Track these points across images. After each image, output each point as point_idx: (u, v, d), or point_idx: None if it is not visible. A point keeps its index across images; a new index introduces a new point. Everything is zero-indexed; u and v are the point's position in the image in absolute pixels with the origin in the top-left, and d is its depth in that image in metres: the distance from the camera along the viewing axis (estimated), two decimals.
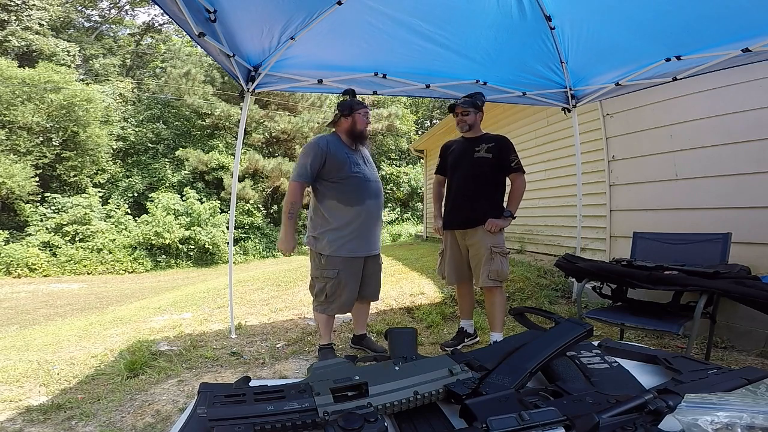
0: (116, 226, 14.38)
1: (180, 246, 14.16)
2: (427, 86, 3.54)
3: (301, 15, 2.82)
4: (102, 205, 14.88)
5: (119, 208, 14.87)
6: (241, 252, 15.21)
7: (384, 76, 3.43)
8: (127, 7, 23.77)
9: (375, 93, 3.56)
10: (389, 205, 19.24)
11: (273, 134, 17.26)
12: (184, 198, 15.12)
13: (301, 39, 2.98)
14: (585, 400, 0.58)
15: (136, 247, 13.90)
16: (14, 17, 17.32)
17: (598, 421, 0.48)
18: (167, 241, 13.77)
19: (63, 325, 5.13)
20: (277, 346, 3.17)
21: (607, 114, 4.28)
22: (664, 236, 2.92)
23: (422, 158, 11.95)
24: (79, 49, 18.99)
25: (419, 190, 18.87)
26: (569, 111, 3.87)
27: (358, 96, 2.76)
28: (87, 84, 16.84)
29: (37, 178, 13.85)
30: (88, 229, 13.64)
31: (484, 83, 3.60)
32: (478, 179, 2.84)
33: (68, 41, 18.81)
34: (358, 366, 0.66)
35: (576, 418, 0.50)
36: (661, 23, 2.74)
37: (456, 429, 0.57)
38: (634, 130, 3.99)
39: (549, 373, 0.73)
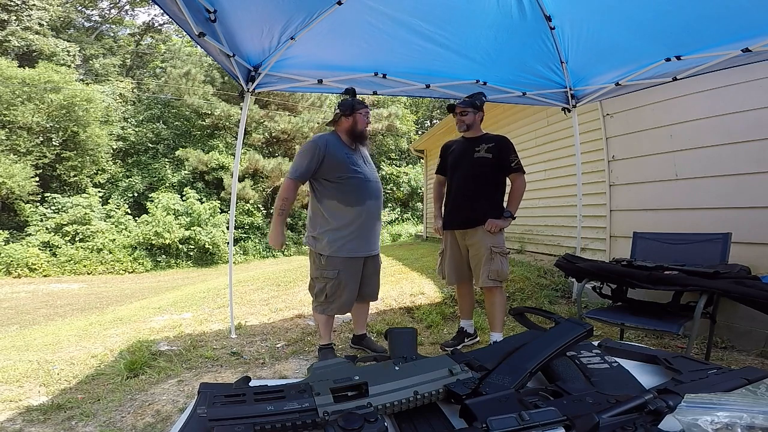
0: (116, 226, 14.38)
1: (180, 246, 14.16)
2: (427, 86, 3.54)
3: (301, 15, 2.82)
4: (102, 205, 14.88)
5: (119, 208, 14.86)
6: (241, 252, 15.21)
7: (384, 76, 3.43)
8: (127, 7, 23.78)
9: (375, 93, 3.56)
10: (389, 205, 19.25)
11: (273, 134, 17.26)
12: (184, 198, 15.12)
13: (301, 39, 2.98)
14: (585, 400, 0.58)
15: (136, 247, 13.90)
16: (14, 17, 17.32)
17: (598, 421, 0.48)
18: (167, 241, 13.77)
19: (63, 325, 5.13)
20: (277, 346, 3.17)
21: (607, 114, 4.28)
22: (664, 236, 2.92)
23: (422, 158, 11.95)
24: (79, 49, 18.99)
25: (419, 190, 18.87)
26: (569, 111, 3.87)
27: (358, 96, 2.76)
28: (87, 84, 16.84)
29: (37, 178, 13.85)
30: (88, 229, 13.64)
31: (484, 83, 3.60)
32: (478, 179, 2.84)
33: (68, 41, 18.81)
34: (358, 366, 0.66)
35: (576, 418, 0.50)
36: (661, 23, 2.74)
37: (456, 429, 0.57)
38: (634, 130, 3.99)
39: (549, 373, 0.73)
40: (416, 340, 0.82)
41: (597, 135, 4.37)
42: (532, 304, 3.98)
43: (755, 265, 2.68)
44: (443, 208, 3.07)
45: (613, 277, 2.53)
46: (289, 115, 17.55)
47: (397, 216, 18.99)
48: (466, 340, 3.02)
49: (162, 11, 2.23)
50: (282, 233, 2.58)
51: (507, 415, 0.49)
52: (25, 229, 13.34)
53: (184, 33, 3.33)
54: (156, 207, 14.37)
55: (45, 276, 12.36)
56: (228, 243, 5.57)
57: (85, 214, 13.78)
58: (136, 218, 14.79)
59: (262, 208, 16.45)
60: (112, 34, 22.96)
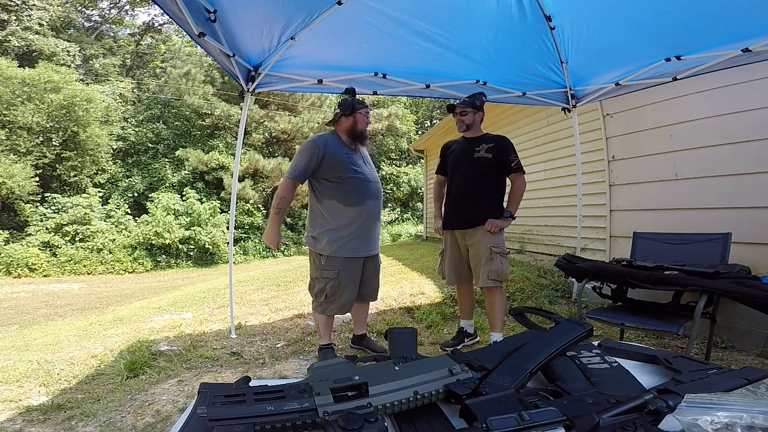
0: (116, 226, 14.37)
1: (180, 246, 14.16)
2: (427, 86, 3.54)
3: (301, 15, 2.82)
4: (102, 205, 14.87)
5: (119, 208, 14.86)
6: (241, 252, 15.21)
7: (384, 76, 3.43)
8: (127, 7, 23.78)
9: (375, 93, 3.56)
10: (389, 205, 19.24)
11: (273, 134, 17.26)
12: (184, 198, 15.11)
13: (301, 39, 2.98)
14: (585, 400, 0.58)
15: (136, 247, 13.90)
16: (14, 17, 17.32)
17: (598, 421, 0.48)
18: (167, 241, 13.77)
19: (63, 325, 5.13)
20: (277, 346, 3.17)
21: (607, 114, 4.28)
22: (664, 236, 2.92)
23: (422, 158, 11.95)
24: (79, 49, 18.99)
25: (419, 190, 18.87)
26: (569, 111, 3.87)
27: (358, 96, 2.76)
28: (87, 84, 16.84)
29: (37, 178, 13.84)
30: (88, 229, 13.63)
31: (484, 83, 3.60)
32: (478, 179, 2.84)
33: (68, 41, 18.81)
34: (358, 366, 0.66)
35: (576, 418, 0.50)
36: (661, 23, 2.74)
37: (456, 429, 0.57)
38: (634, 130, 3.99)
39: (549, 373, 0.73)
40: (416, 340, 0.82)
41: (597, 135, 4.37)
42: (532, 304, 3.98)
43: (755, 265, 2.68)
44: (443, 208, 3.07)
45: (613, 277, 2.53)
46: (289, 115, 17.55)
47: (397, 216, 18.99)
48: (466, 340, 3.02)
49: (162, 11, 2.23)
50: (278, 232, 2.58)
51: (507, 415, 0.49)
52: (25, 229, 13.34)
53: (184, 33, 3.33)
54: (156, 207, 14.37)
55: (45, 276, 12.36)
56: (228, 243, 5.57)
57: (85, 214, 13.78)
58: (136, 218, 14.79)
59: (262, 208, 16.45)
60: (112, 34, 22.96)
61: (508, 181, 2.92)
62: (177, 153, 16.52)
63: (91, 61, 19.76)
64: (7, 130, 13.66)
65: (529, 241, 5.84)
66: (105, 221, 14.39)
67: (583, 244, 4.20)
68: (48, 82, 14.33)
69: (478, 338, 3.10)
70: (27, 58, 16.85)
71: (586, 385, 0.68)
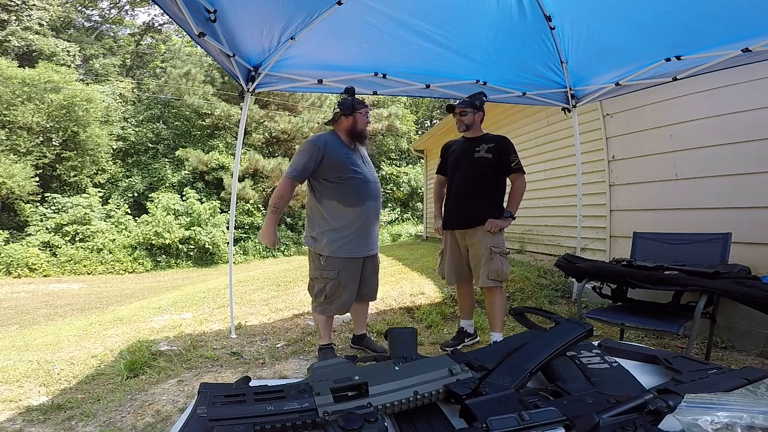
0: (116, 226, 14.37)
1: (180, 246, 14.16)
2: (427, 86, 3.54)
3: (301, 15, 2.82)
4: (102, 205, 14.87)
5: (119, 208, 14.86)
6: (241, 252, 15.21)
7: (384, 76, 3.43)
8: (127, 7, 23.77)
9: (375, 93, 3.56)
10: (389, 205, 19.24)
11: (273, 134, 17.26)
12: (184, 198, 15.12)
13: (301, 39, 2.98)
14: (585, 400, 0.58)
15: (136, 247, 13.90)
16: (14, 17, 17.32)
17: (598, 421, 0.48)
18: (167, 241, 13.77)
19: (63, 325, 5.13)
20: (277, 346, 3.17)
21: (607, 114, 4.28)
22: (664, 236, 2.92)
23: (422, 158, 11.95)
24: (79, 49, 18.99)
25: (419, 190, 18.87)
26: (569, 111, 3.87)
27: (357, 96, 2.76)
28: (87, 84, 16.83)
29: (37, 178, 13.84)
30: (88, 229, 13.64)
31: (484, 83, 3.60)
32: (478, 179, 2.84)
33: (68, 41, 18.81)
34: (358, 366, 0.66)
35: (576, 418, 0.50)
36: (661, 23, 2.74)
37: (456, 429, 0.57)
38: (634, 130, 3.99)
39: (549, 373, 0.73)
40: (416, 340, 0.82)
41: (597, 135, 4.37)
42: (532, 304, 3.98)
43: (755, 265, 2.68)
44: (443, 208, 3.07)
45: (613, 277, 2.53)
46: (289, 115, 17.55)
47: (397, 216, 18.99)
48: (466, 340, 3.02)
49: (162, 11, 2.23)
50: (274, 231, 2.57)
51: (507, 415, 0.49)
52: (25, 229, 13.34)
53: (184, 33, 3.33)
54: (156, 207, 14.37)
55: (45, 276, 12.36)
56: (228, 243, 5.57)
57: (85, 214, 13.78)
58: (136, 218, 14.79)
59: (262, 209, 16.45)
60: (112, 34, 22.96)
61: (508, 181, 2.93)
62: (177, 153, 16.52)
63: (91, 61, 19.76)
64: (7, 130, 13.67)
65: (529, 241, 5.84)
66: (105, 221, 14.40)
67: (583, 244, 4.20)
68: (48, 82, 14.34)
69: (478, 338, 3.10)
70: (27, 58, 16.85)
71: (586, 385, 0.67)
